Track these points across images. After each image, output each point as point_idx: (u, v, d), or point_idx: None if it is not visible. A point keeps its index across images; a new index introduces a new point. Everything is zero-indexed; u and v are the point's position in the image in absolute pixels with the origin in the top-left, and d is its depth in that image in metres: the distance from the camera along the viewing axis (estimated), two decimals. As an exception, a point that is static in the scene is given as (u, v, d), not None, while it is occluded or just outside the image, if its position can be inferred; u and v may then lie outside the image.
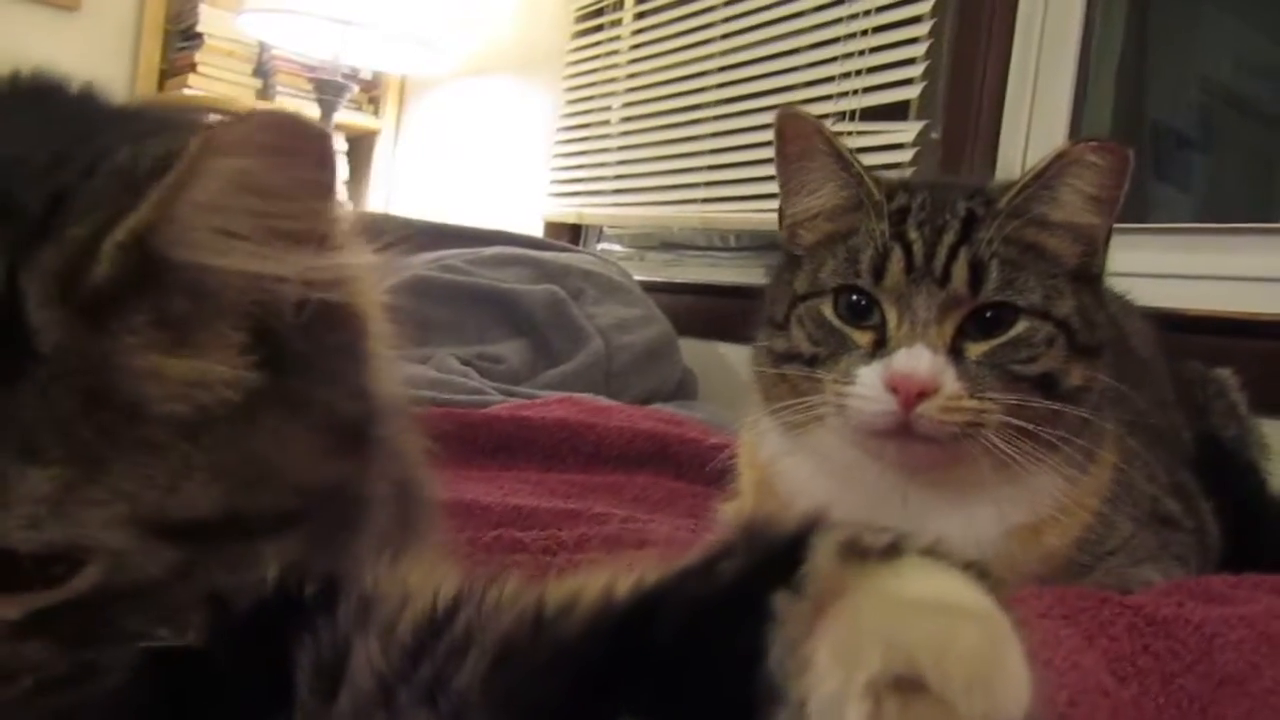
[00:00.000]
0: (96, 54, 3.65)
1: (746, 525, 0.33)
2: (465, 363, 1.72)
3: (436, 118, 3.65)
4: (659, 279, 2.55)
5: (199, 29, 3.58)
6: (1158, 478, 0.78)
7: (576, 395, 1.41)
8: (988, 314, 0.67)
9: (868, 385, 0.66)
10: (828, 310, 0.70)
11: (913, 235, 0.68)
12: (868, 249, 0.69)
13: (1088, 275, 0.72)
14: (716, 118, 2.45)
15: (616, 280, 2.05)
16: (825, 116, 2.20)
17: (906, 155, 2.02)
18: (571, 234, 3.00)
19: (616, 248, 2.89)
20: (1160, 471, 0.79)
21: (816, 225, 0.74)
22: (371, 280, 0.52)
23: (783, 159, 0.74)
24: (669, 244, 2.77)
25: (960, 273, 0.67)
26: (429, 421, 1.07)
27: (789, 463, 0.75)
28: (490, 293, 1.88)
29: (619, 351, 1.78)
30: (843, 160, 0.72)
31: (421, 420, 1.06)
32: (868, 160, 2.31)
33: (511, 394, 1.54)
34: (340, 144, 3.76)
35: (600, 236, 2.98)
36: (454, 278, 1.89)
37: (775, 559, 0.31)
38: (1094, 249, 0.72)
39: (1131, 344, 0.92)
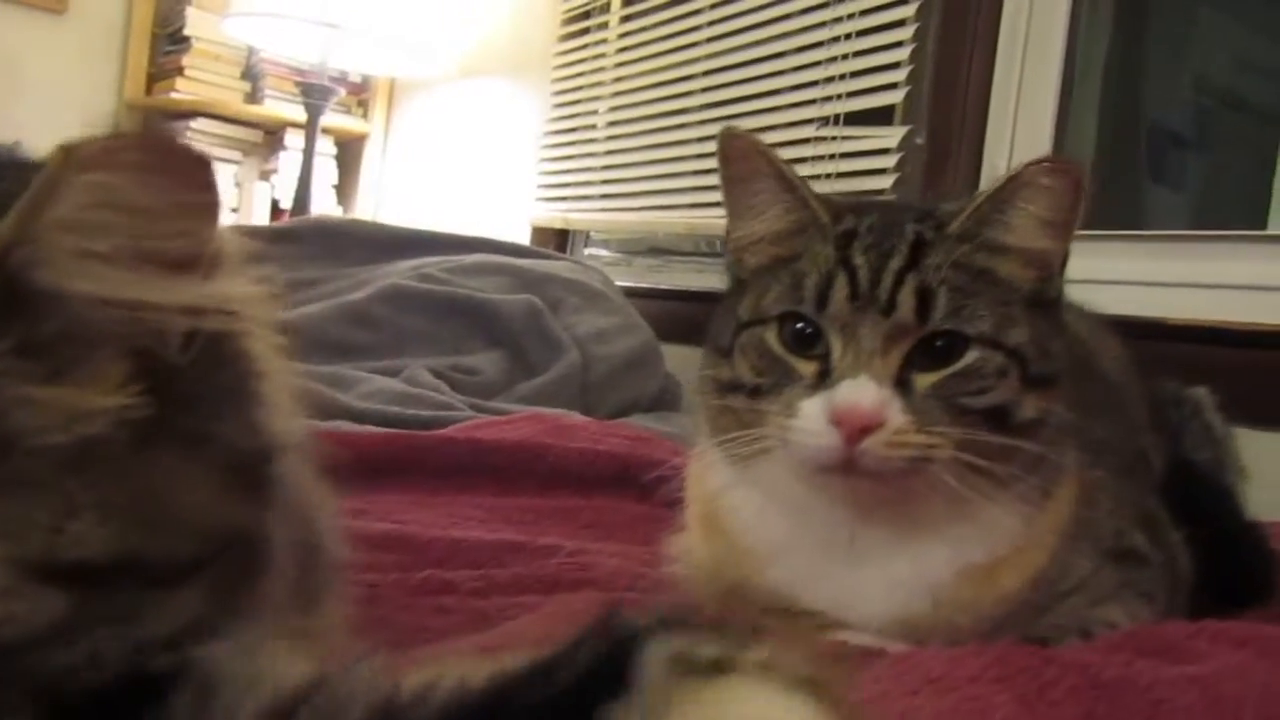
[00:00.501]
0: (83, 57, 3.62)
1: (590, 625, 0.30)
2: (439, 375, 1.69)
3: (426, 121, 3.63)
4: (646, 284, 2.52)
5: (186, 32, 3.56)
6: (1122, 510, 0.75)
7: (544, 411, 1.38)
8: (936, 343, 0.64)
9: (810, 419, 0.62)
10: (771, 338, 0.66)
11: (858, 260, 0.65)
12: (812, 274, 0.66)
13: (1043, 301, 0.69)
14: (702, 122, 2.42)
15: (598, 289, 2.02)
16: (810, 121, 2.17)
17: (891, 160, 2.00)
18: (559, 239, 2.97)
19: (603, 253, 2.87)
20: (1125, 503, 0.76)
21: (761, 249, 0.71)
22: (262, 310, 0.50)
23: (726, 181, 0.71)
24: (656, 249, 2.74)
25: (907, 300, 0.63)
26: (380, 445, 1.04)
27: (736, 496, 0.72)
28: (467, 302, 1.85)
29: (597, 363, 1.75)
30: (787, 182, 0.69)
31: (372, 444, 1.03)
32: (852, 166, 2.29)
33: (482, 408, 1.51)
34: (329, 148, 3.74)
35: (587, 241, 2.95)
36: (431, 287, 1.86)
37: (611, 666, 0.29)
38: (1049, 273, 0.69)
39: (1100, 365, 0.89)
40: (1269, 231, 1.54)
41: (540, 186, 2.96)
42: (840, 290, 0.64)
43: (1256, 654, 0.56)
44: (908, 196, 1.92)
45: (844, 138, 2.10)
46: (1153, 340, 1.45)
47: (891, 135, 2.01)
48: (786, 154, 2.20)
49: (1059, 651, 0.57)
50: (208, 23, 3.44)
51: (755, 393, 0.66)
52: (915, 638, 0.67)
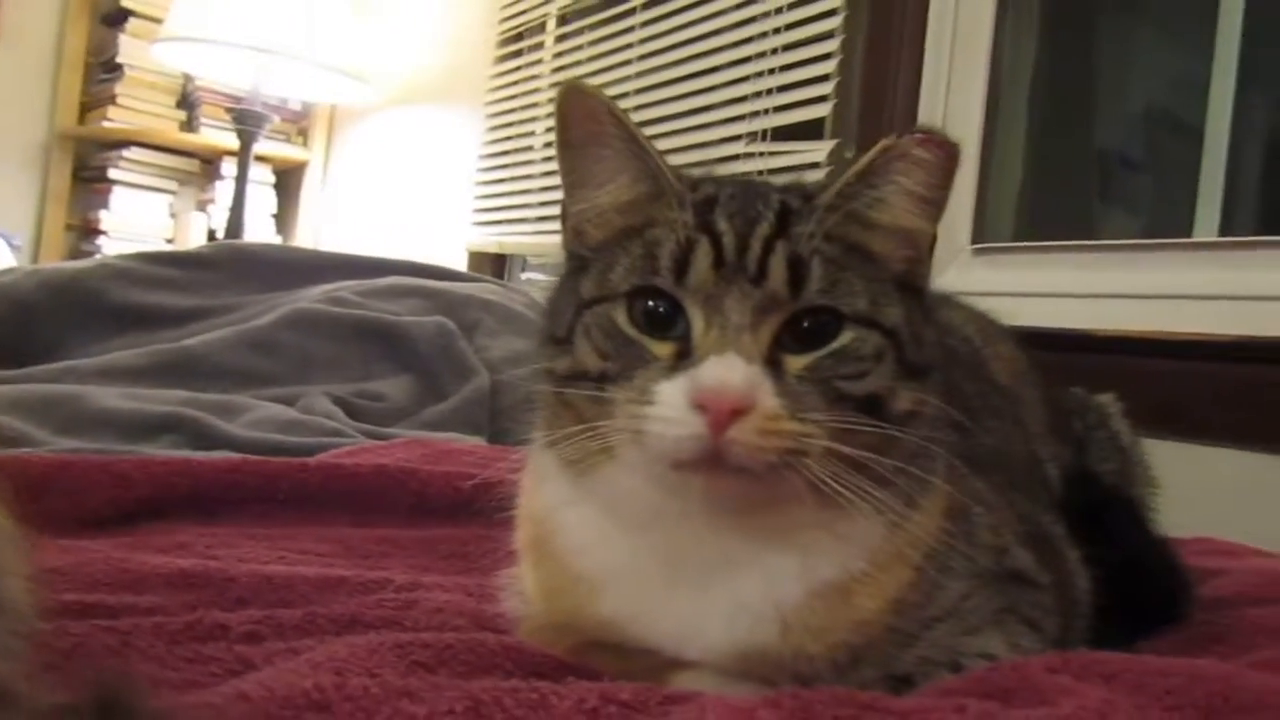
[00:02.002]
0: (14, 87, 3.53)
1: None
2: (341, 402, 1.60)
3: (366, 148, 3.56)
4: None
5: (119, 60, 3.49)
6: (1006, 525, 0.67)
7: (431, 436, 1.30)
8: (805, 323, 0.57)
9: (669, 404, 0.54)
10: (620, 317, 0.58)
11: (722, 226, 0.57)
12: (668, 242, 0.57)
13: (912, 285, 0.62)
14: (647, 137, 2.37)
15: (519, 311, 1.94)
16: (739, 137, 2.12)
17: (821, 174, 1.94)
18: (495, 264, 2.90)
19: (540, 277, 2.79)
20: (1010, 517, 0.68)
21: (606, 220, 0.62)
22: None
23: (566, 145, 0.62)
24: (593, 273, 2.67)
25: (778, 269, 0.56)
26: (223, 473, 0.95)
27: (570, 515, 0.63)
28: (376, 326, 1.76)
29: (508, 387, 1.67)
30: (639, 147, 0.61)
31: (213, 472, 0.93)
32: (783, 181, 2.24)
33: (377, 435, 1.42)
34: (268, 177, 3.66)
35: (525, 266, 2.88)
36: (337, 311, 1.78)
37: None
38: (919, 255, 0.62)
39: (989, 368, 0.82)
40: (1194, 239, 1.49)
41: (477, 211, 2.89)
42: (703, 257, 0.56)
43: (1127, 690, 0.48)
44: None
45: (773, 153, 2.04)
46: (1078, 352, 1.39)
47: (820, 149, 1.96)
48: (719, 170, 2.15)
49: (878, 698, 0.49)
50: (142, 51, 3.37)
51: (601, 380, 0.58)
52: (762, 673, 0.59)
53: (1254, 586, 0.88)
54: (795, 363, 0.56)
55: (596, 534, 0.62)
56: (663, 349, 0.56)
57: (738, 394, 0.53)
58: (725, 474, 0.54)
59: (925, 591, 0.60)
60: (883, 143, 0.60)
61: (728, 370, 0.53)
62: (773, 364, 0.55)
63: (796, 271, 0.56)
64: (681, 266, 0.57)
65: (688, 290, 0.56)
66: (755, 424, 0.53)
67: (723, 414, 0.52)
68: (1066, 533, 0.75)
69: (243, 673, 0.52)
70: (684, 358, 0.55)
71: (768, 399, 0.53)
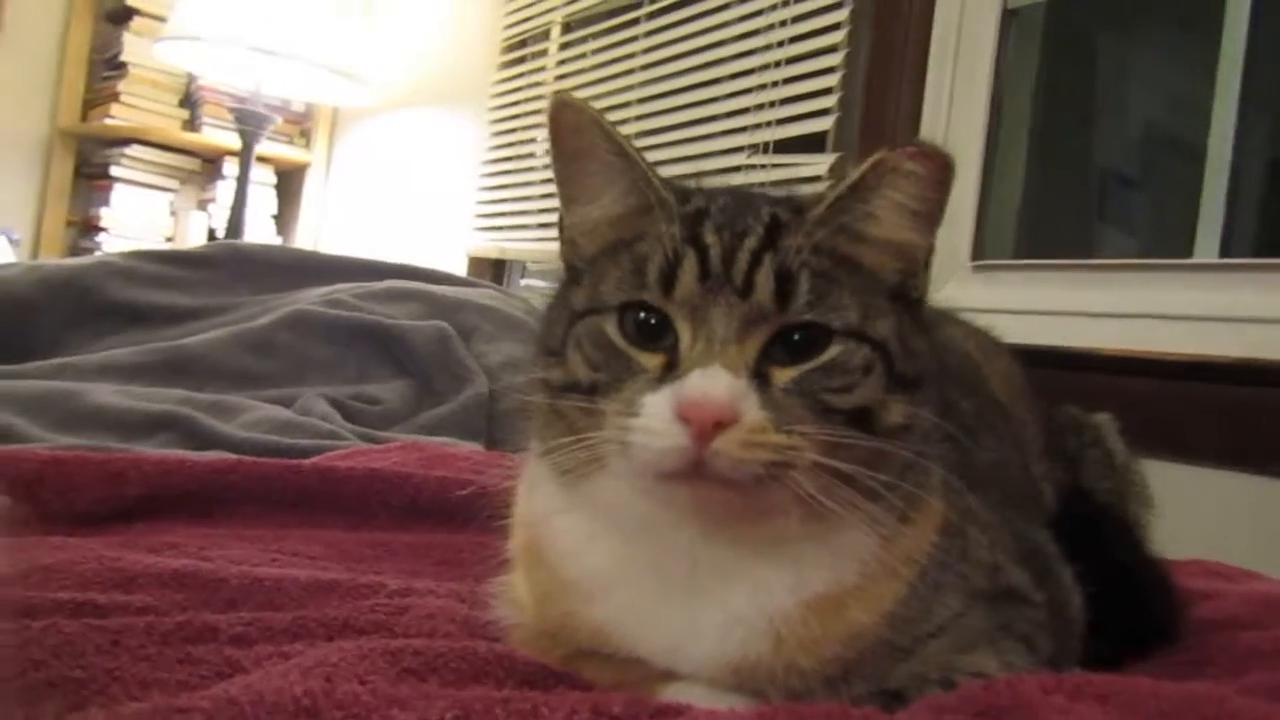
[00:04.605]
0: (16, 83, 3.53)
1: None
2: (337, 404, 1.60)
3: (367, 151, 3.56)
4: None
5: (123, 58, 3.49)
6: (1001, 542, 0.67)
7: (427, 440, 1.29)
8: (794, 336, 0.56)
9: (654, 415, 0.53)
10: (611, 329, 0.58)
11: (709, 239, 0.57)
12: (656, 256, 0.57)
13: (906, 298, 0.62)
14: (639, 150, 2.37)
15: (517, 317, 1.94)
16: (740, 149, 2.13)
17: (822, 188, 1.94)
18: (495, 270, 2.90)
19: (540, 284, 2.79)
20: (1005, 535, 0.68)
21: (599, 233, 0.62)
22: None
23: (559, 158, 0.63)
24: (592, 280, 2.67)
25: (764, 283, 0.56)
26: (217, 473, 0.95)
27: (563, 522, 0.63)
28: (374, 329, 1.76)
29: (506, 393, 1.66)
30: (629, 159, 0.61)
31: (207, 472, 0.93)
32: (779, 192, 2.25)
33: (373, 438, 1.42)
34: (269, 178, 3.66)
35: (524, 272, 2.89)
36: (337, 313, 1.77)
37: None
38: (914, 269, 0.62)
39: (988, 386, 0.82)
40: (1193, 260, 1.49)
41: (477, 216, 2.90)
42: (689, 270, 0.56)
43: (1121, 713, 0.48)
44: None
45: (775, 165, 2.05)
46: (1075, 370, 1.39)
47: (822, 162, 1.97)
48: (718, 181, 2.15)
49: (871, 714, 0.49)
50: (145, 49, 3.37)
51: (591, 392, 0.58)
52: (754, 686, 0.58)
53: (1247, 610, 0.88)
54: (782, 375, 0.56)
55: (588, 542, 0.62)
56: (651, 361, 0.56)
57: (721, 406, 0.53)
58: (710, 485, 0.54)
59: (918, 606, 0.60)
60: (875, 156, 0.59)
61: (711, 382, 0.53)
62: (760, 376, 0.55)
63: (784, 285, 0.56)
64: (669, 280, 0.57)
65: (675, 303, 0.57)
66: (739, 436, 0.53)
67: (706, 426, 0.52)
68: (1060, 551, 0.75)
69: (231, 675, 0.51)
70: (671, 370, 0.55)
71: (752, 411, 0.53)
